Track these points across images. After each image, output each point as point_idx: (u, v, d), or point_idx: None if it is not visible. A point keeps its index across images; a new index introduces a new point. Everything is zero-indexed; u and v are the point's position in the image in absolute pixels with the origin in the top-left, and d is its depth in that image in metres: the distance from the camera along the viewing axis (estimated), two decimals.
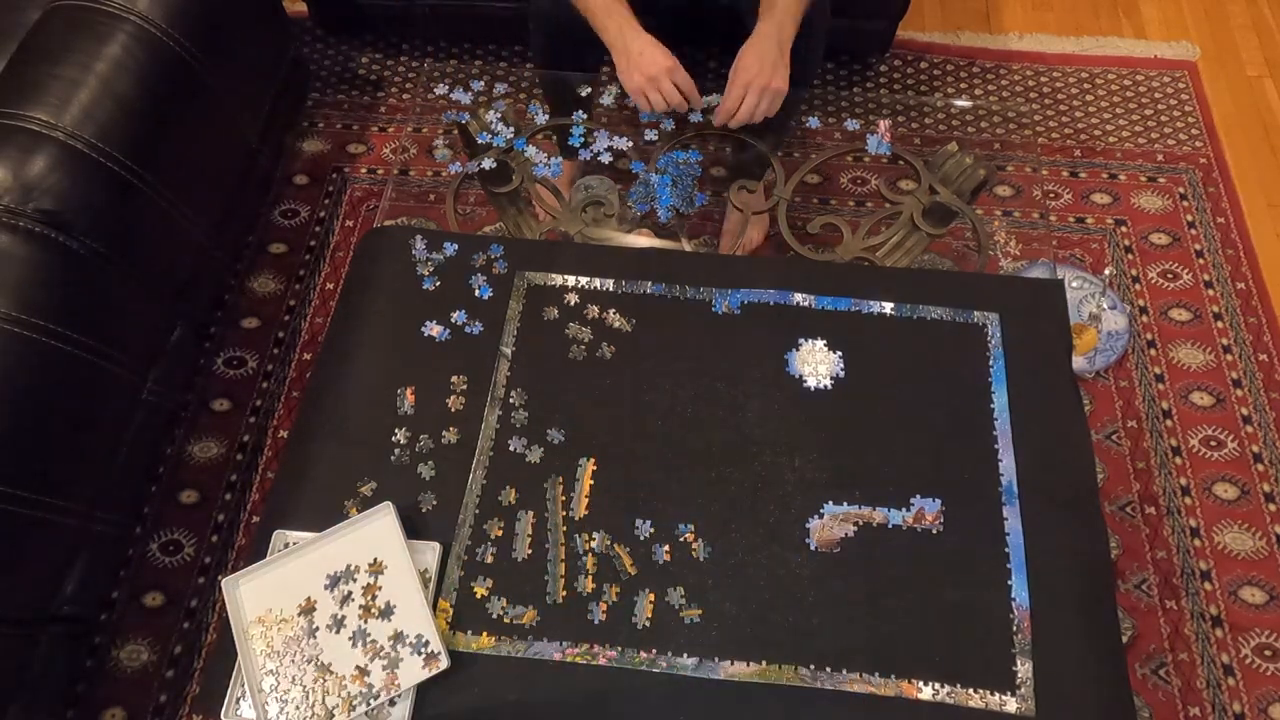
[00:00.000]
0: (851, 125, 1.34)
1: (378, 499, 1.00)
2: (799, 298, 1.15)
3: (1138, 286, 1.73)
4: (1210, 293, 1.72)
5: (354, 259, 1.23)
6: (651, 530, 0.99)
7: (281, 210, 1.85)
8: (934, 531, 0.99)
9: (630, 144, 1.30)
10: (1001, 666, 0.91)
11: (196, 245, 1.48)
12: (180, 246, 1.45)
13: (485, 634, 0.94)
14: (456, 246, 1.19)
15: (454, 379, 1.09)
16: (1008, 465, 1.02)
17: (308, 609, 0.94)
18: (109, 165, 1.23)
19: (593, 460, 1.04)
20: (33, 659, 1.21)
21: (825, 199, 1.76)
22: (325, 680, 0.90)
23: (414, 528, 0.98)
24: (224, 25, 1.47)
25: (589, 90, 1.37)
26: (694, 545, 0.98)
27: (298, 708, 0.89)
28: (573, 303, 1.15)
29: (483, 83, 1.37)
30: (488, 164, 1.28)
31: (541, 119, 1.36)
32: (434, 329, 1.13)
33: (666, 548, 0.98)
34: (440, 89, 1.37)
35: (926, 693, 0.90)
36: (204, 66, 1.40)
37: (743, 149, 1.33)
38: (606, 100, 1.35)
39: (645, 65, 1.22)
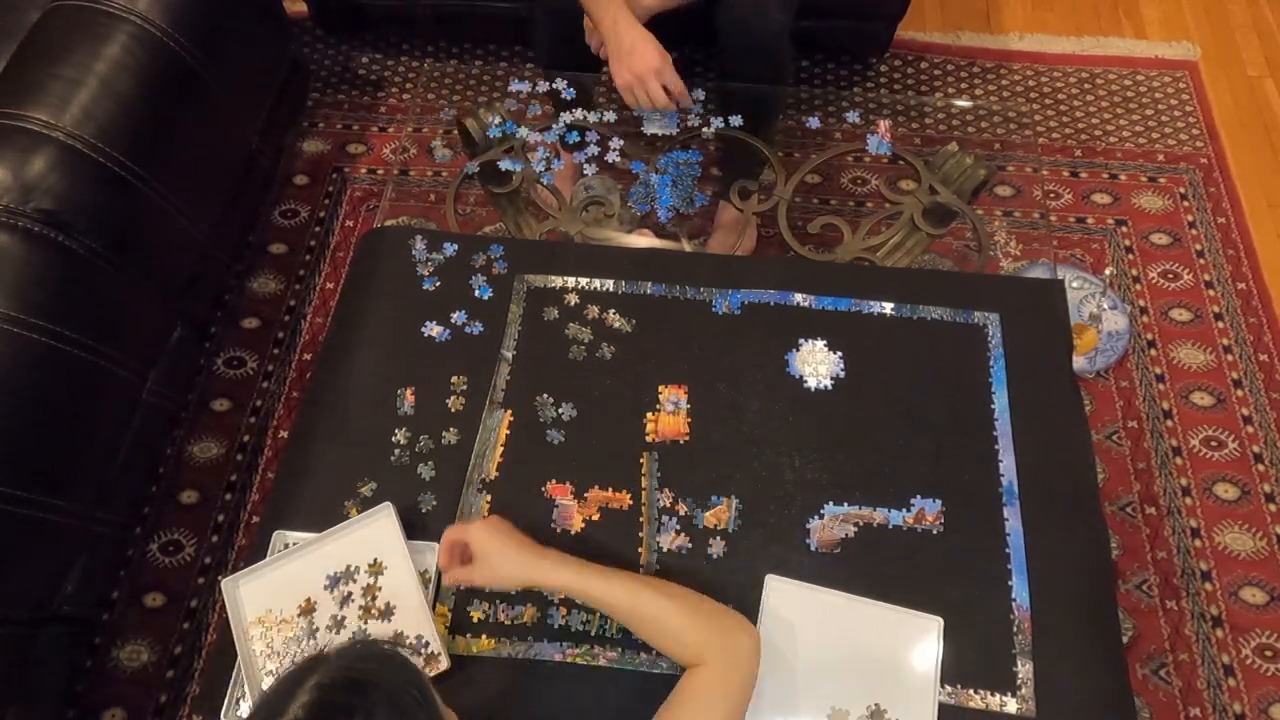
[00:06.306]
0: (852, 117, 1.34)
1: (378, 499, 1.00)
2: (799, 298, 1.15)
3: (1138, 286, 1.73)
4: (1211, 293, 1.72)
5: (354, 259, 1.23)
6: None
7: (281, 210, 1.85)
8: (934, 532, 0.99)
9: (621, 154, 1.30)
10: (1002, 667, 0.91)
11: (196, 245, 1.48)
12: (180, 246, 1.45)
13: (485, 635, 0.94)
14: (456, 247, 1.19)
15: (454, 379, 1.09)
16: (1008, 465, 1.02)
17: (308, 609, 0.94)
18: (109, 165, 1.23)
19: (509, 412, 1.05)
20: (33, 659, 1.21)
21: (825, 199, 1.76)
22: None
23: (414, 528, 0.98)
24: (224, 25, 1.47)
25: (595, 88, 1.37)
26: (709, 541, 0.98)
27: None
28: (573, 303, 1.15)
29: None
30: (507, 164, 1.29)
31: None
32: (434, 329, 1.13)
33: (671, 534, 0.99)
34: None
35: None
36: (204, 66, 1.40)
37: (740, 154, 1.33)
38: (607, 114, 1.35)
39: (635, 63, 1.22)
